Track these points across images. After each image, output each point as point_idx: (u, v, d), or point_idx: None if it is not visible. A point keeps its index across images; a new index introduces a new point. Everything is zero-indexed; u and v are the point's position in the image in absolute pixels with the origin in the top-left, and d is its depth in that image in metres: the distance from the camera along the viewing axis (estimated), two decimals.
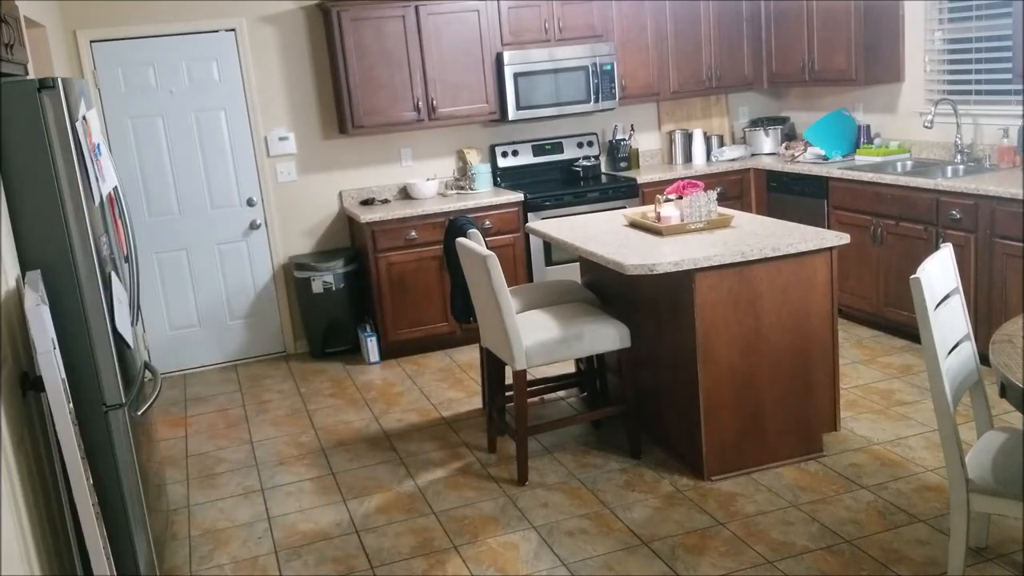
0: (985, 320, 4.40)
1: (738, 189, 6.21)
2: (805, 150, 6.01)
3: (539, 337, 3.78)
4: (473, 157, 6.12)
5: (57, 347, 2.46)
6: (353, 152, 5.97)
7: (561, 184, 6.12)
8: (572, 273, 5.75)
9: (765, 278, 3.59)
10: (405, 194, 6.07)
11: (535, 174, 6.28)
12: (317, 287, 5.64)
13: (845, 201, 5.36)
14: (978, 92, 5.17)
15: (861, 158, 5.67)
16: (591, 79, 5.94)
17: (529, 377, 4.57)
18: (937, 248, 3.81)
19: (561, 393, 4.80)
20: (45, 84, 2.68)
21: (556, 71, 5.86)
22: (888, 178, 5.03)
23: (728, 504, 3.49)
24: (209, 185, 5.74)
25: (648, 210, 4.37)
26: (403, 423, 4.64)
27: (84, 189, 2.77)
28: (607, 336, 3.85)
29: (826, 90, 6.27)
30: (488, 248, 3.81)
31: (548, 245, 5.79)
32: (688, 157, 6.50)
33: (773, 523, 3.33)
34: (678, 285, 3.61)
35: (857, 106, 6.03)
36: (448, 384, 5.16)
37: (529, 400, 4.50)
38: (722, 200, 5.50)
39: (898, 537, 3.16)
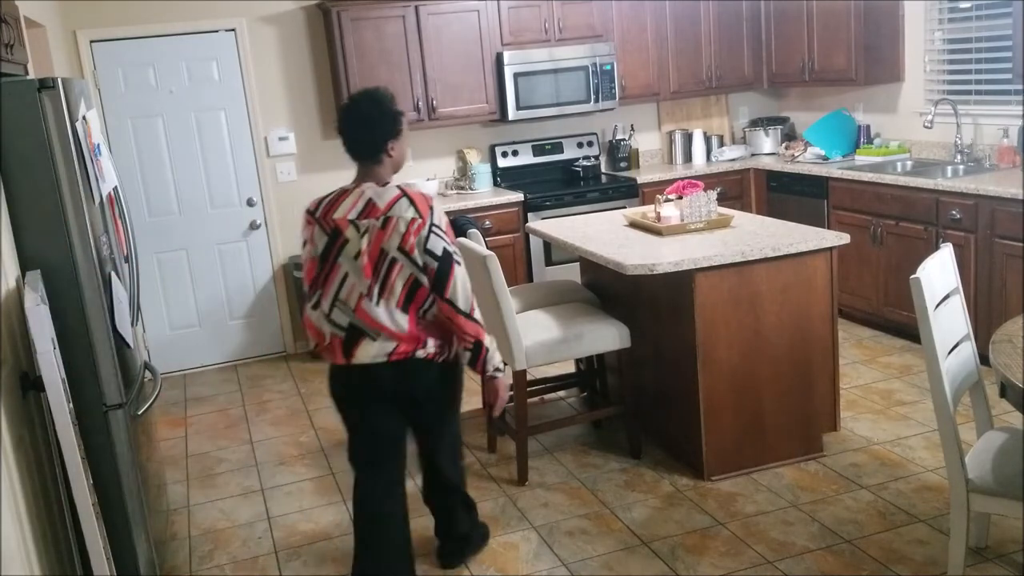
0: (985, 320, 4.40)
1: (738, 189, 6.21)
2: (805, 150, 6.01)
3: (539, 337, 3.78)
4: (473, 157, 6.12)
5: (57, 347, 2.46)
6: None
7: (561, 184, 6.12)
8: (572, 273, 5.74)
9: (765, 278, 3.59)
10: None
11: (535, 174, 6.28)
12: None
13: (845, 201, 5.36)
14: (978, 92, 5.17)
15: (861, 158, 5.67)
16: (591, 79, 5.94)
17: (529, 377, 4.56)
18: (937, 248, 3.81)
19: (561, 393, 4.80)
20: (45, 84, 2.68)
21: (556, 71, 5.86)
22: (888, 178, 5.03)
23: (728, 504, 3.49)
24: (209, 185, 5.74)
25: (648, 210, 4.37)
26: None
27: (84, 189, 2.77)
28: (607, 336, 3.85)
29: (826, 90, 6.27)
30: (488, 248, 3.81)
31: (548, 245, 5.79)
32: (688, 157, 6.50)
33: (773, 523, 3.33)
34: (678, 285, 3.61)
35: (857, 106, 6.03)
36: None
37: (529, 400, 4.50)
38: (722, 200, 5.49)
39: (898, 537, 3.16)
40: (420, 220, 2.71)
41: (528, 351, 3.75)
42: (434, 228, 2.72)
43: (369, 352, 2.77)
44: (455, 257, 2.74)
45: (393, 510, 2.96)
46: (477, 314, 2.79)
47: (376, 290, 2.73)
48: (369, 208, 2.74)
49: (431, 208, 2.75)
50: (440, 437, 3.06)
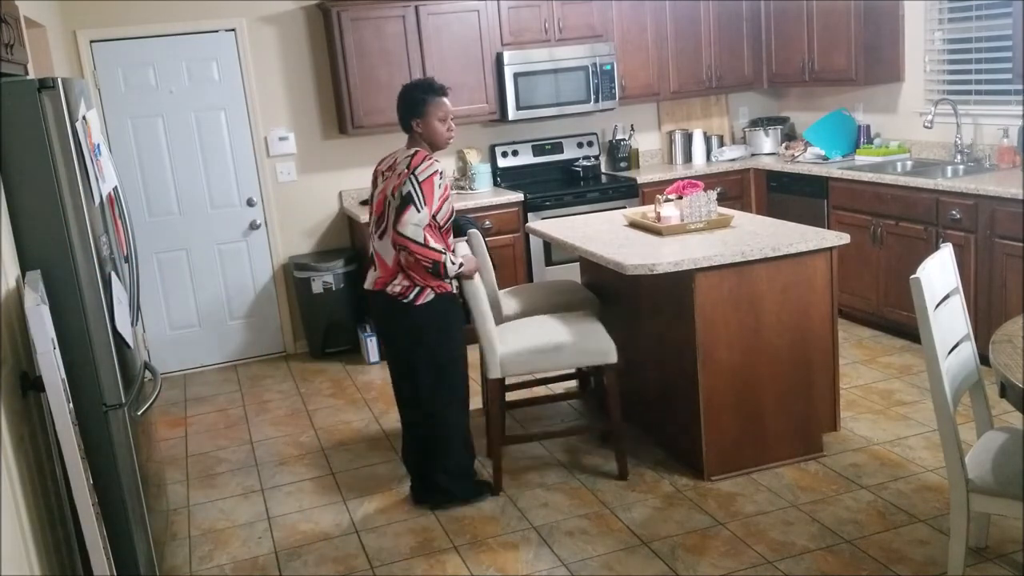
0: (985, 320, 4.40)
1: (738, 189, 6.21)
2: (805, 150, 6.01)
3: (516, 346, 3.66)
4: (473, 157, 6.11)
5: (57, 347, 2.46)
6: (353, 152, 5.97)
7: (561, 184, 6.12)
8: (572, 273, 5.74)
9: (765, 278, 3.59)
10: None
11: (535, 174, 6.28)
12: (317, 287, 5.64)
13: (845, 201, 5.36)
14: (978, 92, 5.17)
15: (861, 158, 5.67)
16: (591, 79, 5.93)
17: (529, 377, 4.56)
18: (937, 248, 3.81)
19: (561, 391, 4.79)
20: (45, 84, 2.68)
21: (556, 71, 5.86)
22: (888, 178, 5.03)
23: (728, 504, 3.49)
24: (209, 185, 5.74)
25: (648, 210, 4.37)
26: None
27: (84, 189, 2.77)
28: (590, 352, 3.70)
29: (826, 90, 6.27)
30: (488, 248, 3.80)
31: (548, 245, 5.79)
32: (688, 157, 6.50)
33: (773, 523, 3.33)
34: (678, 285, 3.61)
35: (857, 106, 6.03)
36: None
37: (528, 400, 4.49)
38: (722, 200, 5.49)
39: (898, 537, 3.16)
40: (406, 171, 3.35)
41: (503, 359, 3.64)
42: (411, 177, 3.33)
43: (367, 280, 3.55)
44: (415, 200, 3.29)
45: (409, 434, 3.75)
46: (435, 245, 3.33)
47: (382, 226, 3.45)
48: (392, 163, 3.50)
49: (420, 164, 3.34)
50: (421, 380, 3.53)
